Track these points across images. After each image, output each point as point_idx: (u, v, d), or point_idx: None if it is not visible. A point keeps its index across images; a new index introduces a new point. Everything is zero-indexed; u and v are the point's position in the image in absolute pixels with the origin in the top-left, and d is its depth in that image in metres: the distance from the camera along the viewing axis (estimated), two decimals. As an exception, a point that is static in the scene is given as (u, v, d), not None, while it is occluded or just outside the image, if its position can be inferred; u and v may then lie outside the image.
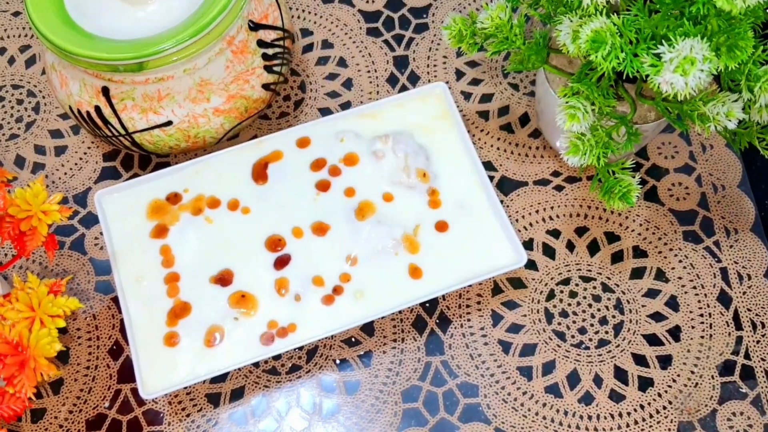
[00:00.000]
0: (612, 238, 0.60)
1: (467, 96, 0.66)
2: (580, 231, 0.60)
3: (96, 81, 0.53)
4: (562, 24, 0.47)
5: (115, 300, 0.58)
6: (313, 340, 0.53)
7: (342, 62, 0.67)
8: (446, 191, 0.57)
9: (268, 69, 0.57)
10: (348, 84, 0.66)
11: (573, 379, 0.55)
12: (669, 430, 0.54)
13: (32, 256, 0.60)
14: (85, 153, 0.64)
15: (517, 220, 0.60)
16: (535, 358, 0.56)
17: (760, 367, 0.56)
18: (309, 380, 0.56)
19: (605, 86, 0.50)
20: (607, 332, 0.57)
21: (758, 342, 0.56)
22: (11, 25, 0.70)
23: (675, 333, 0.57)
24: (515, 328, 0.57)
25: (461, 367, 0.56)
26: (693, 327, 0.57)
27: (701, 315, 0.57)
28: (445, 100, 0.60)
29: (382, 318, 0.57)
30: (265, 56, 0.57)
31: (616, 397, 0.55)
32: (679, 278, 0.58)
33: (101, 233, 0.61)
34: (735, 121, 0.46)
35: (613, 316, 0.57)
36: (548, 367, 0.56)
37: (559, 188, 0.62)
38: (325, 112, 0.65)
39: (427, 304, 0.58)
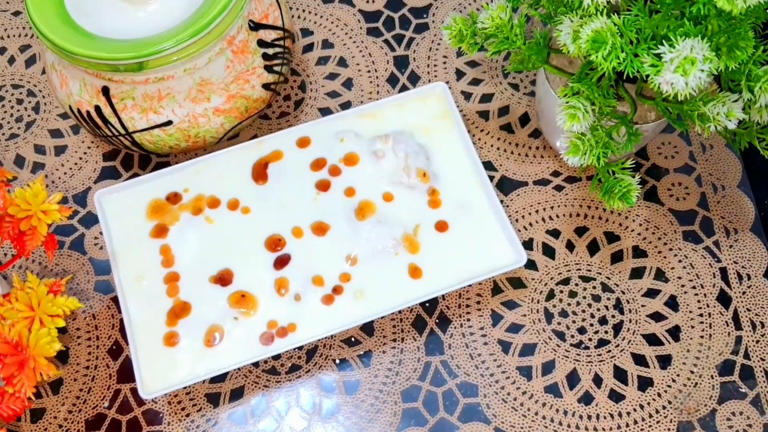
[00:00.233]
0: (612, 238, 0.60)
1: (467, 96, 0.66)
2: (580, 231, 0.60)
3: (96, 81, 0.53)
4: (563, 24, 0.47)
5: (115, 300, 0.58)
6: (313, 339, 0.53)
7: (342, 62, 0.67)
8: (446, 191, 0.57)
9: (269, 69, 0.57)
10: (348, 84, 0.66)
11: (573, 378, 0.55)
12: (668, 429, 0.54)
13: (32, 255, 0.60)
14: (85, 153, 0.64)
15: (517, 220, 0.60)
16: (535, 357, 0.56)
17: (760, 366, 0.56)
18: (309, 380, 0.56)
19: (605, 86, 0.50)
20: (606, 332, 0.57)
21: (758, 342, 0.56)
22: (11, 25, 0.70)
23: (674, 333, 0.57)
24: (515, 328, 0.57)
25: (461, 366, 0.56)
26: (692, 327, 0.57)
27: (701, 315, 0.57)
28: (445, 100, 0.60)
29: (382, 318, 0.57)
30: (265, 56, 0.57)
31: (615, 396, 0.55)
32: (679, 278, 0.58)
33: (101, 233, 0.61)
34: (735, 121, 0.46)
35: (613, 316, 0.57)
36: (548, 367, 0.56)
37: (559, 188, 0.62)
38: (325, 111, 0.65)
39: (427, 304, 0.58)
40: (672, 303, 0.58)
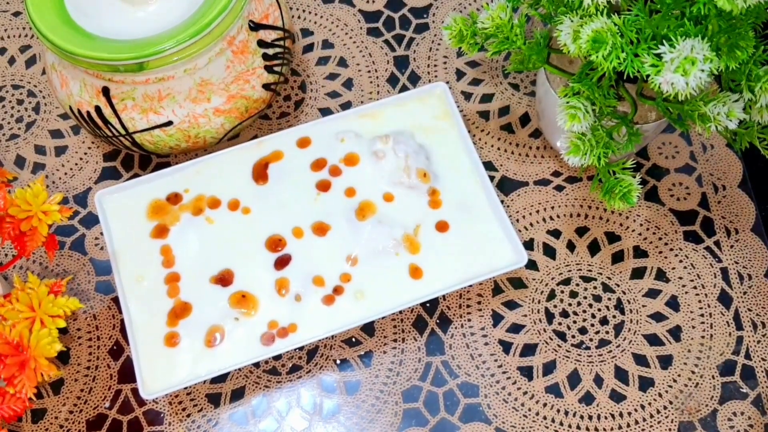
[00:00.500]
0: (612, 238, 0.60)
1: (468, 96, 0.66)
2: (581, 231, 0.60)
3: (96, 81, 0.53)
4: (563, 24, 0.47)
5: (116, 300, 0.58)
6: (314, 340, 0.53)
7: (342, 62, 0.67)
8: (447, 191, 0.57)
9: (269, 69, 0.57)
10: (348, 84, 0.66)
11: (573, 379, 0.55)
12: (669, 430, 0.54)
13: (32, 256, 0.60)
14: (85, 153, 0.64)
15: (517, 220, 0.60)
16: (536, 358, 0.56)
17: (761, 367, 0.56)
18: (309, 380, 0.56)
19: (606, 86, 0.50)
20: (607, 332, 0.57)
21: (759, 342, 0.56)
22: (11, 26, 0.70)
23: (675, 333, 0.57)
24: (516, 328, 0.57)
25: (462, 367, 0.56)
26: (693, 327, 0.57)
27: (702, 315, 0.57)
28: (445, 100, 0.60)
29: (383, 318, 0.57)
30: (265, 56, 0.57)
31: (616, 397, 0.55)
32: (680, 278, 0.58)
33: (101, 233, 0.61)
34: (736, 121, 0.46)
35: (614, 316, 0.57)
36: (549, 367, 0.56)
37: (559, 188, 0.62)
38: (325, 112, 0.65)
39: (428, 304, 0.58)
40: (673, 303, 0.58)
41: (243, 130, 0.63)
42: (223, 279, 0.55)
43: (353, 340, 0.57)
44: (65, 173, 0.63)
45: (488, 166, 0.63)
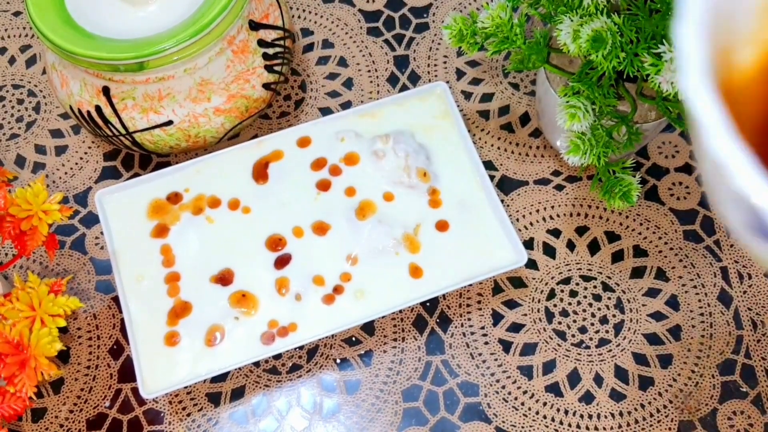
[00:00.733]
0: (612, 237, 0.60)
1: (468, 95, 0.66)
2: (581, 230, 0.60)
3: (96, 81, 0.53)
4: (563, 23, 0.47)
5: (116, 299, 0.58)
6: (314, 339, 0.53)
7: (342, 62, 0.67)
8: (447, 191, 0.57)
9: (269, 69, 0.57)
10: (348, 83, 0.66)
11: (573, 378, 0.55)
12: (669, 429, 0.54)
13: (33, 255, 0.60)
14: (85, 153, 0.64)
15: (517, 220, 0.60)
16: (536, 357, 0.56)
17: (761, 366, 0.56)
18: (309, 379, 0.56)
19: (606, 86, 0.50)
20: (607, 331, 0.57)
21: (758, 341, 0.56)
22: (12, 25, 0.70)
23: (675, 332, 0.57)
24: (516, 328, 0.57)
25: (462, 366, 0.56)
26: (693, 326, 0.57)
27: (702, 314, 0.57)
28: (445, 99, 0.60)
29: (383, 317, 0.57)
30: (265, 56, 0.57)
31: (616, 396, 0.55)
32: (680, 277, 0.58)
33: (102, 233, 0.61)
34: (736, 120, 0.46)
35: (614, 316, 0.57)
36: (549, 367, 0.56)
37: (559, 188, 0.62)
38: (325, 111, 0.65)
39: (428, 304, 0.58)
40: (673, 302, 0.58)
41: (243, 129, 0.63)
42: (224, 278, 0.55)
43: (353, 339, 0.57)
44: (65, 173, 0.63)
45: (488, 165, 0.63)
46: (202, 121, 0.56)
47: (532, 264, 0.59)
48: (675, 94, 0.43)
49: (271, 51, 0.57)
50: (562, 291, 0.58)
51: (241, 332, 0.53)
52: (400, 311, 0.57)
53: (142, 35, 0.52)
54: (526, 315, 0.57)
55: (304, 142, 0.59)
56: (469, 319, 0.57)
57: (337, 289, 0.54)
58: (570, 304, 0.58)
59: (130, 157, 0.64)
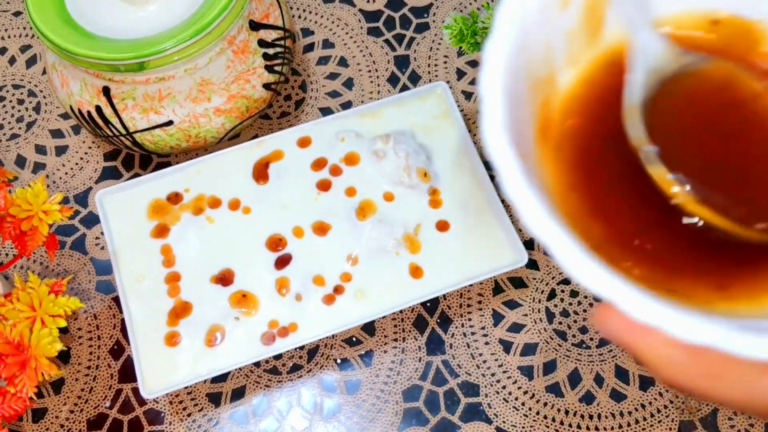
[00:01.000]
0: (613, 237, 0.60)
1: (468, 95, 0.66)
2: (581, 230, 0.60)
3: (97, 81, 0.53)
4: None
5: (116, 300, 0.58)
6: (314, 339, 0.53)
7: (343, 62, 0.67)
8: (447, 191, 0.57)
9: (269, 69, 0.57)
10: (349, 83, 0.66)
11: (574, 378, 0.55)
12: (670, 429, 0.54)
13: (33, 255, 0.60)
14: (86, 153, 0.64)
15: (518, 219, 0.60)
16: (536, 357, 0.56)
17: (762, 366, 0.56)
18: (310, 380, 0.56)
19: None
20: (608, 332, 0.57)
21: (759, 341, 0.56)
22: (12, 25, 0.70)
23: (676, 332, 0.57)
24: (516, 328, 0.57)
25: (462, 366, 0.56)
26: (694, 326, 0.57)
27: (702, 314, 0.57)
28: (446, 99, 0.60)
29: (383, 317, 0.57)
30: (266, 56, 0.57)
31: (617, 396, 0.55)
32: (680, 278, 0.58)
33: (102, 233, 0.61)
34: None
35: (614, 316, 0.57)
36: (549, 367, 0.56)
37: (560, 188, 0.62)
38: (325, 111, 0.65)
39: (428, 304, 0.58)
40: (673, 302, 0.58)
41: (243, 129, 0.63)
42: (224, 278, 0.55)
43: (354, 339, 0.57)
44: (66, 173, 0.63)
45: (489, 165, 0.63)
46: (203, 121, 0.56)
47: (532, 264, 0.59)
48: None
49: (271, 51, 0.57)
50: (562, 291, 0.58)
51: (241, 332, 0.53)
52: (401, 311, 0.57)
53: (142, 35, 0.52)
54: (526, 315, 0.57)
55: (304, 142, 0.59)
56: (470, 320, 0.57)
57: (338, 290, 0.54)
58: (571, 304, 0.58)
59: (131, 158, 0.64)
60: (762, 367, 0.24)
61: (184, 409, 0.55)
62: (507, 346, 0.56)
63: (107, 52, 0.50)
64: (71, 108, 0.56)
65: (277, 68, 0.58)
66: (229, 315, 0.53)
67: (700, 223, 0.28)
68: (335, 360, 0.56)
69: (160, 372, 0.52)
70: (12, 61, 0.68)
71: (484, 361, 0.56)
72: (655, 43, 0.30)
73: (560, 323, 0.57)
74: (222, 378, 0.56)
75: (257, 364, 0.56)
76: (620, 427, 0.54)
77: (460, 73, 0.67)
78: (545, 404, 0.55)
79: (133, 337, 0.53)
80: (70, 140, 0.65)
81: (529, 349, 0.56)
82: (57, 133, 0.65)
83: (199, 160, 0.58)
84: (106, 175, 0.63)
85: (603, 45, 0.30)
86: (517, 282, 0.58)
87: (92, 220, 0.62)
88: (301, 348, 0.57)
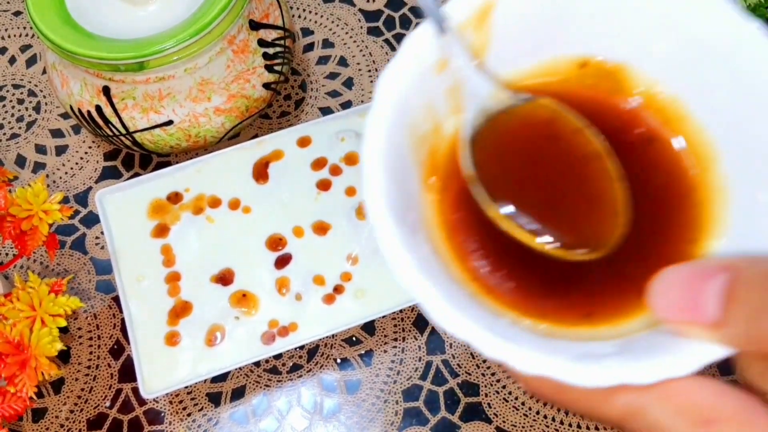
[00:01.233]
0: (613, 237, 0.60)
1: (468, 95, 0.66)
2: (581, 230, 0.60)
3: (97, 80, 0.53)
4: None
5: (116, 299, 0.58)
6: (314, 339, 0.53)
7: (343, 61, 0.67)
8: (447, 190, 0.57)
9: (269, 68, 0.57)
10: (349, 83, 0.66)
11: (574, 378, 0.55)
12: (670, 429, 0.54)
13: (33, 255, 0.60)
14: (86, 152, 0.64)
15: (517, 220, 0.60)
16: (536, 357, 0.56)
17: (761, 366, 0.56)
18: (310, 379, 0.56)
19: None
20: (608, 331, 0.57)
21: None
22: (12, 25, 0.70)
23: (676, 332, 0.57)
24: (516, 328, 0.57)
25: (462, 366, 0.56)
26: (694, 326, 0.57)
27: (702, 314, 0.57)
28: (445, 99, 0.60)
29: (383, 317, 0.57)
30: (265, 55, 0.57)
31: (617, 396, 0.55)
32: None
33: (102, 233, 0.61)
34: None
35: (614, 315, 0.57)
36: (549, 366, 0.56)
37: (559, 187, 0.62)
38: (325, 111, 0.65)
39: (428, 304, 0.58)
40: (673, 302, 0.58)
41: (243, 129, 0.63)
42: (224, 278, 0.55)
43: (354, 339, 0.57)
44: (66, 172, 0.63)
45: (488, 165, 0.62)
46: (203, 120, 0.56)
47: (532, 264, 0.59)
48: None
49: (271, 51, 0.57)
50: (562, 291, 0.58)
51: (241, 332, 0.53)
52: (401, 311, 0.57)
53: (142, 35, 0.52)
54: (526, 315, 0.57)
55: (304, 142, 0.59)
56: (470, 319, 0.57)
57: (338, 289, 0.54)
58: (570, 303, 0.58)
59: (131, 157, 0.64)
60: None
61: (184, 408, 0.55)
62: (507, 346, 0.56)
63: (107, 51, 0.50)
64: (71, 108, 0.56)
65: (277, 68, 0.58)
66: (229, 314, 0.53)
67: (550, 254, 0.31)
68: (335, 360, 0.56)
69: (160, 372, 0.52)
70: (12, 60, 0.68)
71: (484, 361, 0.56)
72: (484, 86, 0.33)
73: (560, 323, 0.57)
74: (222, 378, 0.56)
75: (257, 364, 0.56)
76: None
77: (460, 73, 0.66)
78: (545, 404, 0.55)
79: (133, 336, 0.53)
80: (70, 140, 0.65)
81: (529, 349, 0.56)
82: (57, 133, 0.65)
83: (199, 160, 0.58)
84: (106, 174, 0.63)
85: None
86: (517, 282, 0.58)
87: (92, 219, 0.62)
88: (301, 348, 0.57)
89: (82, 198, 0.63)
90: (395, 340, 0.57)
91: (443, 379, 0.56)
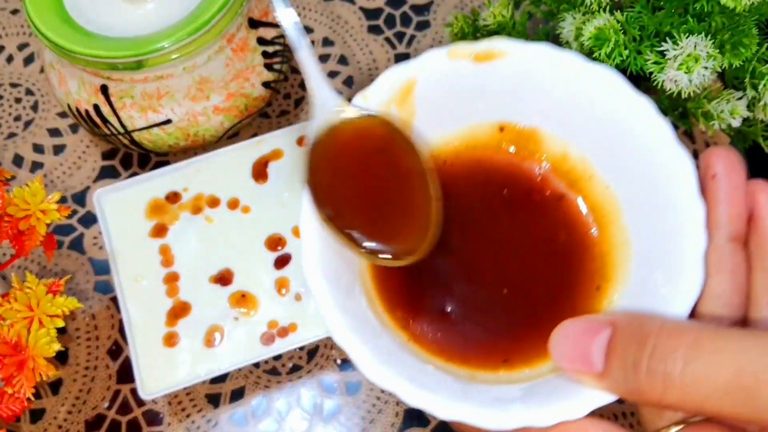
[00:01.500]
0: (614, 236, 0.59)
1: (468, 94, 0.65)
2: (583, 230, 0.60)
3: (95, 79, 0.53)
4: (565, 21, 0.46)
5: (114, 300, 0.58)
6: (314, 340, 0.52)
7: (343, 60, 0.67)
8: (448, 190, 0.57)
9: (269, 67, 0.57)
10: (349, 82, 0.66)
11: (575, 378, 0.55)
12: (672, 430, 0.53)
13: (31, 255, 0.60)
14: (83, 152, 0.64)
15: (518, 219, 0.60)
16: (538, 357, 0.56)
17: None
18: (310, 380, 0.56)
19: (608, 84, 0.49)
20: (609, 332, 0.56)
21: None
22: (9, 24, 0.70)
23: (678, 332, 0.56)
24: (517, 328, 0.57)
25: (463, 366, 0.56)
26: (696, 326, 0.57)
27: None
28: (446, 98, 0.60)
29: (384, 317, 0.57)
30: (265, 54, 0.56)
31: (618, 397, 0.55)
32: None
33: (100, 232, 0.60)
34: (739, 119, 0.46)
35: (616, 316, 0.57)
36: (550, 367, 0.56)
37: (561, 187, 0.61)
38: (325, 110, 0.65)
39: (429, 304, 0.57)
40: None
41: (242, 128, 0.63)
42: (223, 278, 0.54)
43: (354, 339, 0.56)
44: (63, 172, 0.63)
45: (489, 164, 0.62)
46: (201, 119, 0.55)
47: (533, 264, 0.59)
48: (678, 92, 0.42)
49: (270, 49, 0.57)
50: (563, 291, 0.58)
51: (240, 333, 0.53)
52: (401, 311, 0.57)
53: (140, 33, 0.51)
54: (527, 315, 0.57)
55: (304, 141, 0.59)
56: (471, 319, 0.57)
57: (338, 289, 0.54)
58: (572, 304, 0.57)
59: (129, 156, 0.64)
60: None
61: (183, 410, 0.55)
62: (508, 347, 0.56)
63: (105, 50, 0.50)
64: (69, 106, 0.56)
65: (276, 66, 0.58)
66: (228, 315, 0.53)
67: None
68: (335, 360, 0.56)
69: (158, 372, 0.51)
70: (9, 59, 0.68)
71: (485, 362, 0.56)
72: (331, 99, 0.39)
73: (561, 323, 0.57)
74: (221, 379, 0.55)
75: (256, 365, 0.56)
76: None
77: (461, 72, 0.66)
78: (546, 405, 0.54)
79: (132, 337, 0.52)
80: (67, 139, 0.64)
81: (530, 350, 0.56)
82: (55, 132, 0.65)
83: (197, 159, 0.58)
84: (104, 174, 0.63)
85: None
86: (518, 282, 0.58)
87: (90, 219, 0.61)
88: (301, 348, 0.56)
89: (80, 198, 0.62)
90: (395, 340, 0.56)
91: (444, 380, 0.55)
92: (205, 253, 0.55)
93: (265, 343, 0.53)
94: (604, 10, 0.44)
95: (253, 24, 0.55)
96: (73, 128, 0.65)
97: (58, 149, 0.64)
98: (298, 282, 0.54)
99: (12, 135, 0.65)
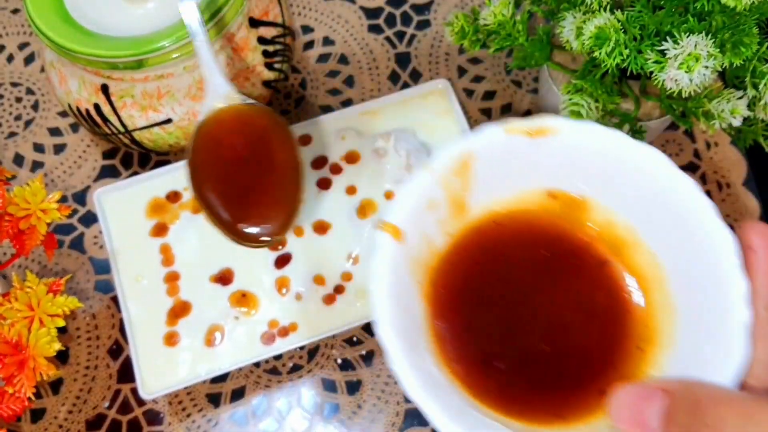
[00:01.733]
0: (615, 236, 0.59)
1: (470, 93, 0.65)
2: (583, 229, 0.60)
3: (95, 78, 0.53)
4: (566, 20, 0.46)
5: (115, 299, 0.58)
6: (315, 339, 0.52)
7: (343, 59, 0.67)
8: (448, 189, 0.57)
9: (269, 66, 0.57)
10: (349, 81, 0.66)
11: (576, 378, 0.55)
12: (673, 429, 0.53)
13: (31, 255, 0.60)
14: (84, 151, 0.64)
15: (519, 219, 0.60)
16: (538, 357, 0.56)
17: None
18: (310, 380, 0.56)
19: (609, 83, 0.49)
20: (610, 331, 0.56)
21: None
22: (10, 23, 0.70)
23: (679, 332, 0.56)
24: (518, 327, 0.57)
25: (463, 366, 0.56)
26: (697, 326, 0.56)
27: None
28: (447, 97, 0.60)
29: (384, 317, 0.57)
30: (265, 53, 0.56)
31: (619, 396, 0.54)
32: (683, 277, 0.58)
33: (100, 232, 0.60)
34: (740, 118, 0.45)
35: (617, 315, 0.57)
36: (551, 367, 0.55)
37: (561, 186, 0.61)
38: (326, 109, 0.65)
39: (429, 303, 0.57)
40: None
41: (243, 127, 0.63)
42: (223, 278, 0.54)
43: (354, 339, 0.56)
44: (64, 171, 0.63)
45: (490, 163, 0.62)
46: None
47: (534, 263, 0.59)
48: (679, 91, 0.42)
49: (271, 48, 0.57)
50: (564, 290, 0.58)
51: (241, 332, 0.53)
52: (402, 311, 0.57)
53: (140, 32, 0.51)
54: (528, 314, 0.57)
55: (304, 140, 0.59)
56: (471, 319, 0.57)
57: (338, 289, 0.54)
58: (572, 303, 0.57)
59: (129, 156, 0.64)
60: None
61: (184, 409, 0.55)
62: (508, 346, 0.56)
63: (105, 49, 0.50)
64: (69, 106, 0.56)
65: (276, 66, 0.58)
66: (228, 314, 0.53)
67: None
68: (336, 360, 0.56)
69: (159, 372, 0.52)
70: (10, 58, 0.68)
71: (486, 361, 0.56)
72: (223, 86, 0.47)
73: (562, 323, 0.57)
74: (221, 378, 0.55)
75: (257, 364, 0.56)
76: (622, 427, 0.54)
77: (462, 71, 0.66)
78: (547, 404, 0.54)
79: (132, 336, 0.52)
80: (68, 138, 0.64)
81: (530, 349, 0.56)
82: (55, 131, 0.65)
83: (198, 159, 0.58)
84: (105, 173, 0.63)
85: (469, 217, 0.40)
86: (519, 281, 0.58)
87: (90, 218, 0.61)
88: (302, 348, 0.56)
89: (81, 197, 0.62)
90: (396, 340, 0.56)
91: (444, 380, 0.55)
92: (205, 252, 0.55)
93: (266, 342, 0.53)
94: (605, 9, 0.44)
95: (254, 23, 0.55)
96: (74, 127, 0.65)
97: (59, 148, 0.64)
98: (299, 281, 0.54)
99: (12, 134, 0.65)
